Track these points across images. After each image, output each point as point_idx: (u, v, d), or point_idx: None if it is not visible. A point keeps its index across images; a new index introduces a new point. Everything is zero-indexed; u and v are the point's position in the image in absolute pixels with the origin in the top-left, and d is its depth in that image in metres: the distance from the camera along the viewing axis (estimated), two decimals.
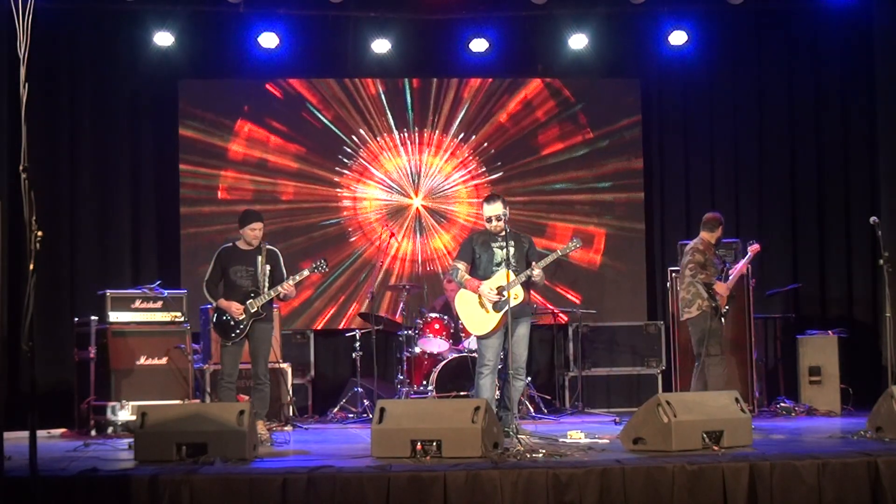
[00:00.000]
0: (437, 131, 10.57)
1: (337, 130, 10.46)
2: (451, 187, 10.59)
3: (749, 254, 8.57)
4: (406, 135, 10.56)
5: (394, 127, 10.53)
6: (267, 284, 7.60)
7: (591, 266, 10.58)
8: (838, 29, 10.39)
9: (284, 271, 7.76)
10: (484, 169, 10.60)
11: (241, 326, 7.56)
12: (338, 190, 10.45)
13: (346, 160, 10.47)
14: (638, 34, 10.50)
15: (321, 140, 10.45)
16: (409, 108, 10.56)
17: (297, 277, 7.73)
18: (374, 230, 10.48)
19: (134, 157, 10.18)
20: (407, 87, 10.56)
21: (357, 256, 10.45)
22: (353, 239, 10.47)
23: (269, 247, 7.75)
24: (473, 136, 10.60)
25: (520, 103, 10.63)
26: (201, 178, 10.26)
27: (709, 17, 10.33)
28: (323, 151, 10.45)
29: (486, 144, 10.60)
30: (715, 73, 10.70)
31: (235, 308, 7.53)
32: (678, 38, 10.21)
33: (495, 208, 7.44)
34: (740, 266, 8.52)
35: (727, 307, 8.18)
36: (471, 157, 10.60)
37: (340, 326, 10.25)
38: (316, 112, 10.44)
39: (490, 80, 10.60)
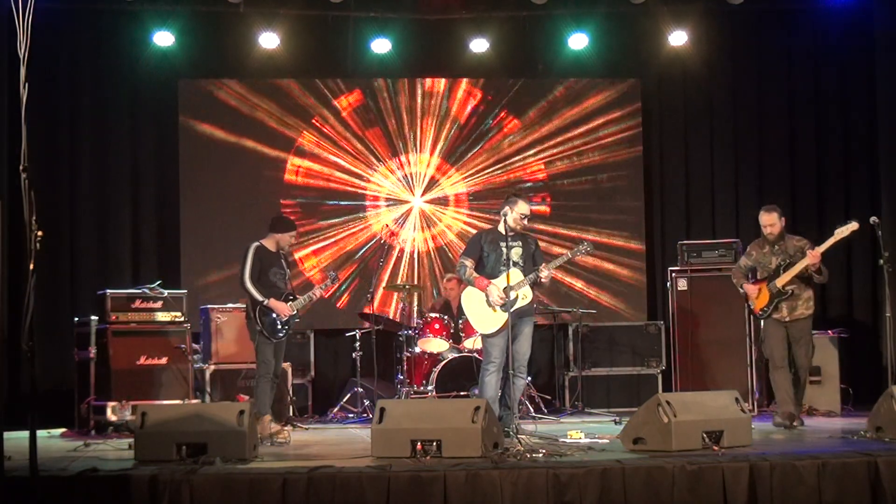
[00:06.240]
0: (436, 131, 10.56)
1: (336, 130, 10.47)
2: (451, 188, 10.59)
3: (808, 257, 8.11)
4: (405, 135, 10.55)
5: (392, 127, 10.53)
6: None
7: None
8: (838, 29, 10.39)
9: None
10: (485, 168, 10.62)
11: (288, 326, 7.66)
12: (333, 186, 10.46)
13: (344, 160, 10.48)
14: (638, 34, 10.50)
15: (320, 138, 10.45)
16: (408, 107, 10.56)
17: (320, 290, 7.94)
18: (372, 227, 10.48)
19: (134, 157, 10.18)
20: (406, 86, 10.56)
21: (356, 255, 10.46)
22: (352, 238, 10.48)
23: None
24: (473, 137, 10.61)
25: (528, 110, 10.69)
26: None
27: (709, 17, 10.32)
28: (320, 149, 10.46)
29: (484, 145, 10.62)
30: (715, 73, 10.69)
31: (287, 310, 7.59)
32: (678, 38, 10.21)
33: (527, 207, 7.46)
34: (799, 266, 8.08)
35: (764, 308, 8.08)
36: (471, 159, 10.61)
37: (340, 326, 10.25)
38: (315, 110, 10.45)
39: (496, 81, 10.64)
